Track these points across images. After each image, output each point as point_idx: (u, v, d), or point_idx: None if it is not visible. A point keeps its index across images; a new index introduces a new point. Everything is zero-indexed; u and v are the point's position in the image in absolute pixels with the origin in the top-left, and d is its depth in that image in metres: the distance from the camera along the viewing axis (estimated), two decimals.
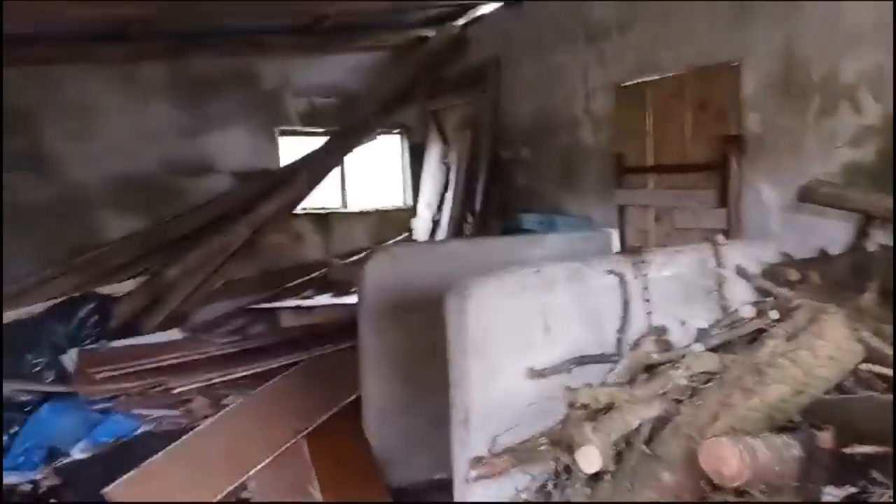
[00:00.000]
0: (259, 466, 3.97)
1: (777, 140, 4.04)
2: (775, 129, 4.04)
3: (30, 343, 4.96)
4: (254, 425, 4.28)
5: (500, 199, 6.38)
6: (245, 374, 4.72)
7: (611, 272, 2.92)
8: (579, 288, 2.89)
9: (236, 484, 3.86)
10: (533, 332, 2.84)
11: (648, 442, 2.40)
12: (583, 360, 2.81)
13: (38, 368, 4.83)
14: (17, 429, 4.49)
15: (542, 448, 2.39)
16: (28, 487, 4.18)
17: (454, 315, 2.84)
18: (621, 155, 5.15)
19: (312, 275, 6.76)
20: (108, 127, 6.13)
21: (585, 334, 2.92)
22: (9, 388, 4.70)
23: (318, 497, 3.80)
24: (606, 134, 5.41)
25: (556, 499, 2.50)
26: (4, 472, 4.24)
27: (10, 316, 5.07)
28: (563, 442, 2.40)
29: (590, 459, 2.15)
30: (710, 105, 4.39)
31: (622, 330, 2.88)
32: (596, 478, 2.48)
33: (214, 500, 3.73)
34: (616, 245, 4.64)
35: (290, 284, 6.59)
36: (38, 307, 5.19)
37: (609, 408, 2.40)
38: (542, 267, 2.89)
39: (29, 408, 4.62)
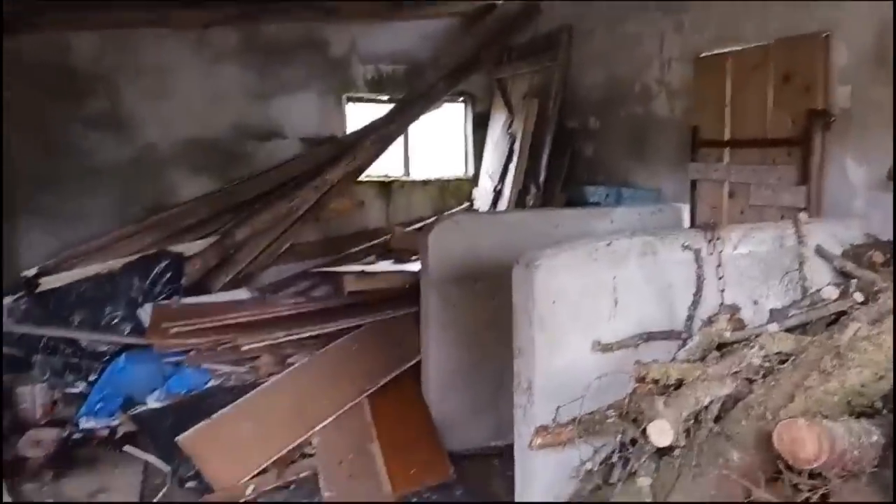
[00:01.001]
0: (322, 424, 4.09)
1: (867, 115, 3.83)
2: (866, 103, 3.83)
3: (108, 296, 5.20)
4: (317, 384, 4.39)
5: (566, 170, 6.29)
6: (310, 334, 4.83)
7: (685, 247, 2.85)
8: (651, 262, 2.83)
9: (301, 439, 3.99)
10: (601, 305, 2.80)
11: (718, 420, 2.36)
12: (651, 336, 2.77)
13: (116, 321, 5.07)
14: (95, 377, 4.74)
15: (610, 420, 2.37)
16: (105, 433, 4.43)
17: (521, 285, 2.84)
18: (696, 127, 4.99)
19: (374, 241, 6.84)
20: (182, 90, 6.29)
21: (655, 310, 2.87)
22: (88, 338, 4.96)
23: (379, 455, 3.89)
24: (681, 105, 5.24)
25: (619, 471, 2.49)
26: (84, 418, 4.49)
27: (90, 270, 5.32)
28: (630, 415, 2.38)
29: (662, 433, 2.13)
30: (794, 77, 4.19)
31: (694, 307, 2.82)
32: (662, 453, 2.46)
33: (281, 454, 3.87)
34: (687, 220, 4.53)
35: (353, 250, 6.69)
36: (116, 262, 5.42)
37: (680, 384, 2.36)
38: (614, 239, 2.84)
39: (107, 358, 4.86)
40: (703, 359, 2.56)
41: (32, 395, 4.62)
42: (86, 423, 4.46)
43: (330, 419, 4.13)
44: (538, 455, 2.83)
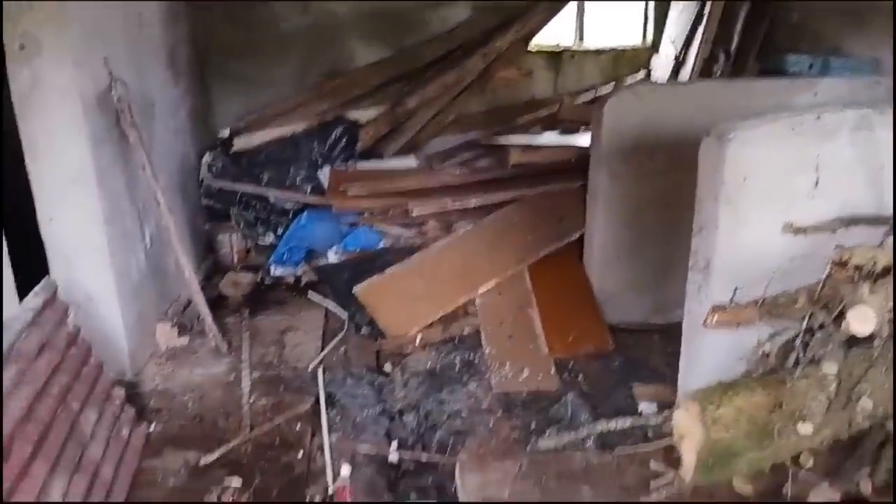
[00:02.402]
0: (485, 287, 4.26)
1: None
2: None
3: (292, 158, 5.57)
4: (481, 251, 4.53)
5: (762, 36, 5.65)
6: (475, 204, 4.94)
7: None
8: (866, 139, 2.55)
9: (465, 299, 4.20)
10: (799, 184, 2.60)
11: None
12: (855, 221, 2.54)
13: (299, 180, 5.45)
14: (282, 231, 5.19)
15: (799, 304, 2.26)
16: (291, 280, 4.91)
17: (709, 159, 2.68)
18: None
19: (541, 112, 6.68)
20: None
21: (862, 192, 2.62)
22: (275, 195, 5.39)
23: (538, 320, 4.01)
24: None
25: (799, 355, 2.39)
26: (273, 266, 4.99)
27: (275, 133, 5.69)
28: (822, 300, 2.25)
29: (864, 320, 2.00)
30: None
31: None
32: (851, 343, 2.32)
33: (446, 311, 4.11)
34: None
35: (519, 121, 6.58)
36: (297, 126, 5.75)
37: (886, 272, 2.17)
38: (822, 112, 2.57)
39: (292, 214, 5.29)
40: None
41: (230, 243, 5.18)
42: (275, 271, 4.96)
43: (492, 283, 4.28)
44: (707, 334, 2.78)
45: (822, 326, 2.29)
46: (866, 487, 2.23)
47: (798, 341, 2.38)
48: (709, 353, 2.86)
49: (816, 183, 2.56)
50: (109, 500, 2.81)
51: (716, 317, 2.51)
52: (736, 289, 2.67)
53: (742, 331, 2.66)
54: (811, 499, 2.25)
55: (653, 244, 4.00)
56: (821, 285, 2.26)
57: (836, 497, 2.22)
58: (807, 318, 2.33)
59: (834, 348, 2.24)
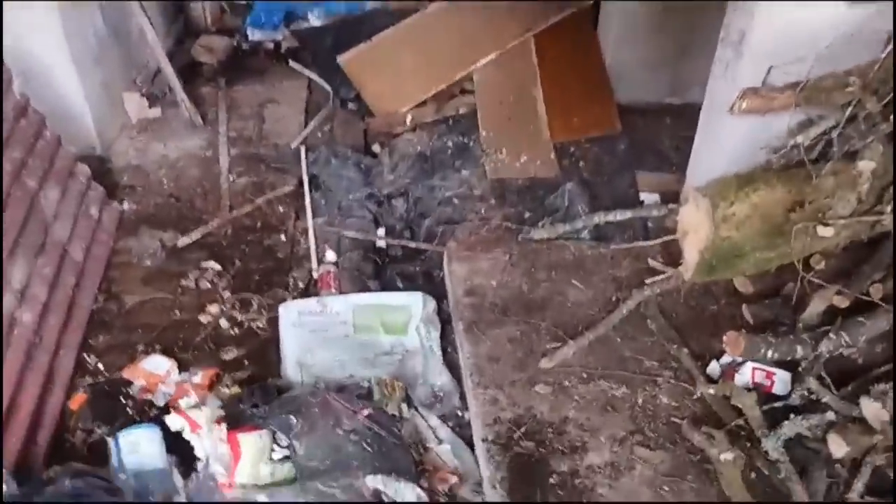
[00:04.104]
0: (484, 61, 3.82)
1: None
2: None
3: None
4: (482, 16, 4.00)
5: None
6: None
7: None
8: None
9: (462, 74, 3.79)
10: None
11: None
12: None
13: None
14: None
15: (851, 88, 1.91)
16: (271, 46, 4.43)
17: None
18: None
19: None
20: None
21: None
22: None
23: (541, 100, 3.65)
24: None
25: (835, 148, 2.10)
26: (251, 29, 4.48)
27: None
28: (872, 85, 1.91)
29: None
30: None
31: None
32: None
33: (440, 87, 3.73)
34: None
35: None
36: None
37: None
38: None
39: None
40: None
41: (202, 3, 4.60)
42: (253, 35, 4.46)
43: (492, 56, 3.83)
44: (728, 119, 2.46)
45: (866, 117, 1.97)
46: (877, 293, 2.08)
47: (835, 133, 2.08)
48: (727, 141, 2.57)
49: None
50: (82, 282, 2.71)
51: (745, 102, 2.18)
52: (770, 68, 2.30)
53: (770, 118, 2.34)
54: (814, 303, 2.12)
55: (678, 14, 3.50)
56: (877, 66, 1.90)
57: (844, 303, 2.08)
58: (851, 106, 2.00)
59: (875, 142, 1.95)
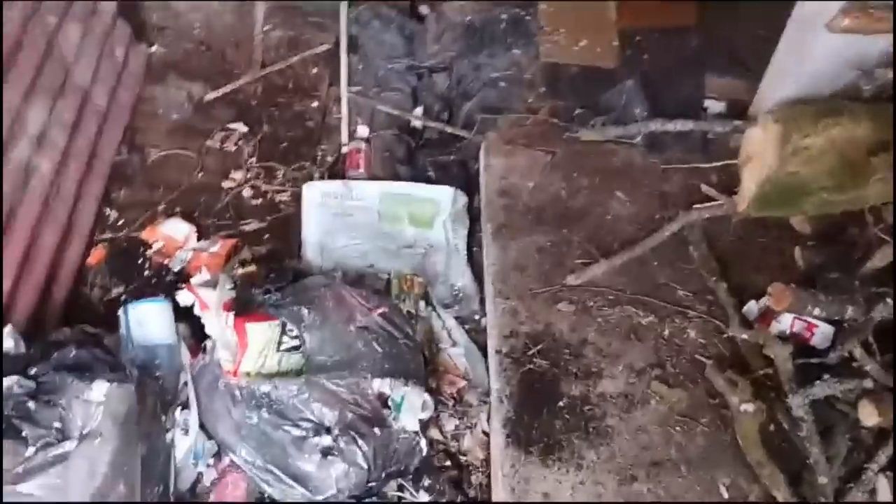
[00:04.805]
0: None
1: None
2: None
3: None
4: None
5: None
6: None
7: None
8: None
9: None
10: None
11: None
12: None
13: None
14: None
15: None
16: None
17: None
18: None
19: None
20: None
21: None
22: None
23: None
24: None
25: None
26: None
27: None
28: None
29: None
30: None
31: None
32: None
33: None
34: None
35: None
36: None
37: None
38: None
39: None
40: None
41: None
42: None
43: None
44: (821, 34, 2.14)
45: None
46: None
47: None
48: (814, 60, 2.26)
49: None
50: (105, 130, 2.60)
51: (849, 19, 1.88)
52: None
53: (871, 40, 2.03)
54: (876, 257, 1.93)
55: None
56: None
57: None
58: None
59: None
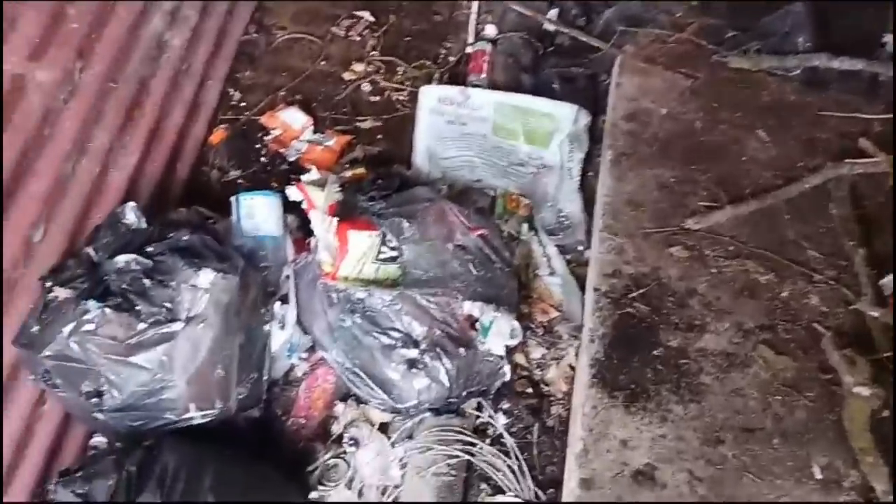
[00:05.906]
0: None
1: None
2: None
3: None
4: None
5: None
6: None
7: None
8: None
9: None
10: None
11: None
12: None
13: None
14: None
15: None
16: None
17: None
18: None
19: None
20: None
21: None
22: None
23: None
24: None
25: None
26: None
27: None
28: None
29: None
30: None
31: None
32: None
33: None
34: None
35: None
36: None
37: None
38: None
39: None
40: None
41: None
42: None
43: None
44: None
45: None
46: None
47: None
48: None
49: None
50: (235, 10, 2.60)
51: None
52: None
53: None
54: None
55: None
56: None
57: None
58: None
59: None
